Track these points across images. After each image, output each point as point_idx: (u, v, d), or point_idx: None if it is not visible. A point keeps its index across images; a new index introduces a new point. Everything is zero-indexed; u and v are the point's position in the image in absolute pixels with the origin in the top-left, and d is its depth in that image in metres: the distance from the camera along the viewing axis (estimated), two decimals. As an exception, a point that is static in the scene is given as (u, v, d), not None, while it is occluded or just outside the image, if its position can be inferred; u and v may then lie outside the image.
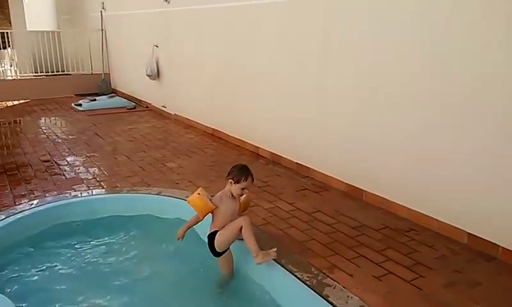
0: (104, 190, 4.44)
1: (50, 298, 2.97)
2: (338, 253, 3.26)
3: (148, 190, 4.37)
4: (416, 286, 2.86)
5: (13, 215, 3.76)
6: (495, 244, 3.21)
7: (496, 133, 3.14)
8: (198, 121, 7.11)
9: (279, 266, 3.04)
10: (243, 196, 3.19)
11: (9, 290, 2.98)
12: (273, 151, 5.42)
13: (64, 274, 3.25)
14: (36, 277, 3.19)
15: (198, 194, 3.03)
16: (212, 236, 3.03)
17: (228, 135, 6.30)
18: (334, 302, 2.65)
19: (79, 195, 4.26)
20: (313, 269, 3.03)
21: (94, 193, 4.36)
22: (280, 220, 3.80)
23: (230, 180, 3.06)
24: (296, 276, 2.93)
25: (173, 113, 7.95)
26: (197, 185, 4.52)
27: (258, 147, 5.69)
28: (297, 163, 5.05)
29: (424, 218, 3.70)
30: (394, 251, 3.29)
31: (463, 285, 2.88)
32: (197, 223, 3.08)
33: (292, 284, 2.88)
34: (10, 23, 12.55)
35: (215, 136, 6.60)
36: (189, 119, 7.40)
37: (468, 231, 3.38)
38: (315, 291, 2.76)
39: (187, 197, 3.27)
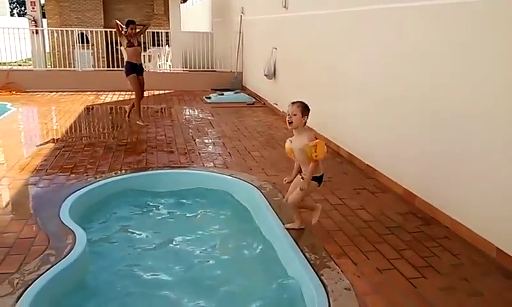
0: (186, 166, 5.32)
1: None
2: (356, 245, 3.51)
3: (224, 171, 5.10)
4: (413, 283, 3.00)
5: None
6: (519, 262, 3.12)
7: None
8: (299, 119, 7.61)
9: (296, 245, 3.46)
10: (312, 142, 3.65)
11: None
12: (350, 151, 5.67)
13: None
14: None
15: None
16: None
17: (317, 133, 6.67)
18: (324, 281, 2.98)
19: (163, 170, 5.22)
20: (323, 253, 3.37)
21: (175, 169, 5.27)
22: (321, 211, 4.13)
23: None
24: (304, 254, 3.31)
25: (281, 110, 8.58)
26: (267, 173, 5.11)
27: (339, 146, 5.98)
28: (367, 164, 5.24)
29: (461, 228, 3.67)
30: (413, 252, 3.41)
31: (462, 292, 2.92)
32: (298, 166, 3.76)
33: (298, 259, 3.27)
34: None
35: (308, 134, 7.03)
36: (292, 117, 7.94)
37: (497, 245, 3.31)
38: (313, 269, 3.12)
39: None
